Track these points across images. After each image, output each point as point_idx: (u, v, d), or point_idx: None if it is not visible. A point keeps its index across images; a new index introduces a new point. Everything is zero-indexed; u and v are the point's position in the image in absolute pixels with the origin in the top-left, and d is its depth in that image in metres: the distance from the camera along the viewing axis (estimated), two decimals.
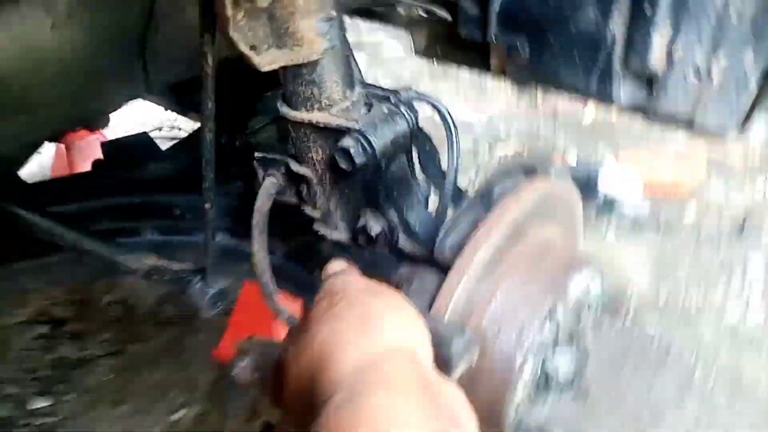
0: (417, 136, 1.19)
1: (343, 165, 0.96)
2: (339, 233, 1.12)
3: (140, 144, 1.70)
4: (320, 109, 0.99)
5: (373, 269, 1.09)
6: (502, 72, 1.76)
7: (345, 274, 0.83)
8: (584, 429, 1.91)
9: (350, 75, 1.00)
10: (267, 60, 0.91)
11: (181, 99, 1.52)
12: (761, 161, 3.22)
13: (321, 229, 1.14)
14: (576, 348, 0.96)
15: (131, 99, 1.22)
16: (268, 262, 1.17)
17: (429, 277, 0.95)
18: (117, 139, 1.67)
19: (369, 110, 1.01)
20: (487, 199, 0.97)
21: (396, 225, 1.04)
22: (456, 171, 1.10)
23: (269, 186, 1.13)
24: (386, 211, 1.03)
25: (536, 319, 0.91)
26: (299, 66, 0.95)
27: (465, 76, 4.51)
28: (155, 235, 1.43)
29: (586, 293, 1.02)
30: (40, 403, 2.15)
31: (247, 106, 1.44)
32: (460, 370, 0.82)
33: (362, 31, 5.75)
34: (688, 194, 3.00)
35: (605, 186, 2.84)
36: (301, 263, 1.27)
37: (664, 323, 2.34)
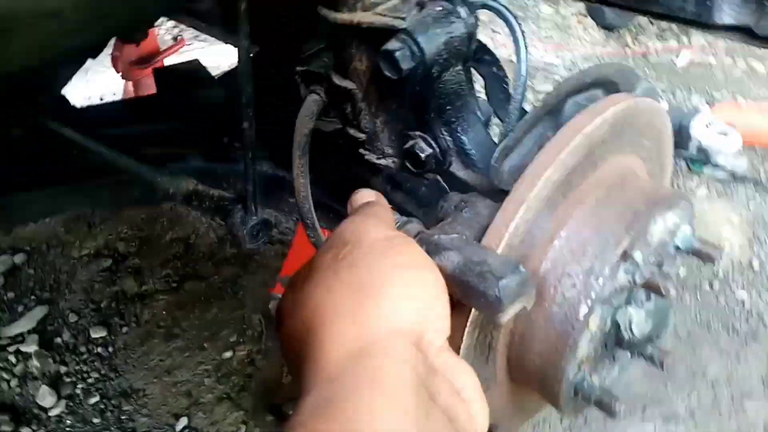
0: (479, 50, 1.04)
1: (388, 72, 0.82)
2: (386, 159, 0.99)
3: (192, 71, 1.61)
4: (364, 8, 0.85)
5: (421, 200, 0.97)
6: None
7: (366, 215, 0.70)
8: (654, 402, 1.74)
9: None
10: None
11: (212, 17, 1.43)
12: None
13: (367, 154, 1.01)
14: (656, 300, 0.80)
15: (170, 10, 1.13)
16: (309, 189, 1.06)
17: (483, 205, 0.81)
18: (168, 67, 1.60)
19: (421, 10, 0.86)
20: (555, 115, 0.81)
21: (448, 146, 0.90)
22: (523, 91, 0.94)
23: (311, 103, 1.01)
24: (438, 130, 0.89)
25: (609, 261, 0.76)
26: None
27: (547, 15, 4.22)
28: (201, 161, 1.35)
29: (672, 236, 0.86)
30: (99, 333, 2.18)
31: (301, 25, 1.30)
32: (509, 313, 0.68)
33: None
34: None
35: (699, 136, 2.57)
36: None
37: (757, 290, 2.10)
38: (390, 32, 0.82)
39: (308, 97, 1.01)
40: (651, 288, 0.77)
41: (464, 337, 0.77)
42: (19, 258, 2.48)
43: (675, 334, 1.94)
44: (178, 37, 3.35)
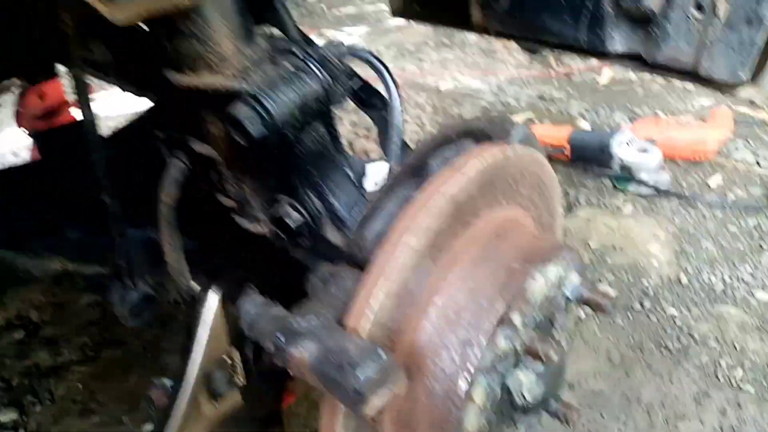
0: (369, 94, 0.99)
1: (238, 138, 0.76)
2: (261, 225, 0.92)
3: (77, 132, 1.51)
4: (209, 68, 0.78)
5: (298, 271, 0.89)
6: (484, 27, 1.55)
7: None
8: None
9: (246, 25, 0.79)
10: (125, 12, 0.71)
11: None
12: None
13: (239, 221, 0.94)
14: (545, 360, 0.75)
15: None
16: (183, 262, 0.98)
17: (351, 278, 0.74)
18: (51, 129, 1.50)
19: (274, 64, 0.80)
20: (420, 173, 0.75)
21: (318, 211, 0.83)
22: (400, 139, 0.89)
23: (174, 170, 0.93)
24: (305, 194, 0.83)
25: (484, 329, 0.70)
26: (172, 18, 0.74)
27: (472, 41, 4.24)
28: (79, 234, 1.25)
29: (559, 288, 0.80)
30: (10, 416, 2.01)
31: None
32: (374, 405, 0.61)
33: (364, 1, 5.52)
34: (713, 154, 2.72)
35: (620, 154, 2.58)
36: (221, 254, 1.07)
37: (686, 305, 2.09)
38: (236, 95, 0.76)
39: (170, 163, 0.93)
40: (532, 355, 0.72)
41: (338, 429, 0.70)
42: None
43: (608, 359, 1.90)
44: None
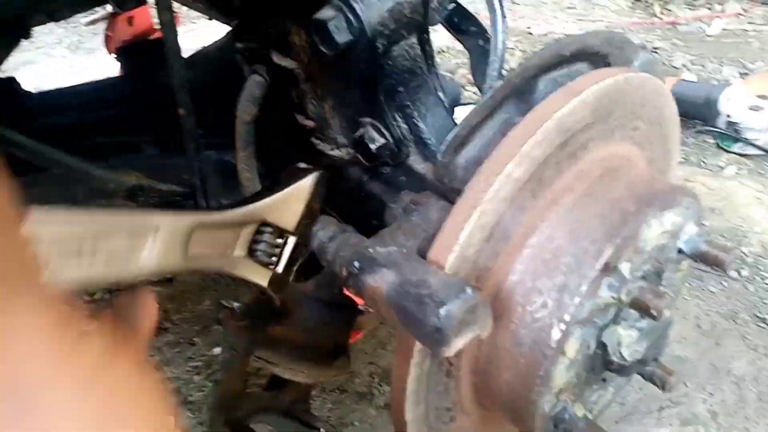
0: (461, 19, 0.89)
1: (323, 46, 0.68)
2: (340, 149, 0.86)
3: (158, 49, 1.48)
4: None
5: (373, 200, 0.83)
6: None
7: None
8: (672, 403, 1.58)
9: None
10: None
11: None
12: None
13: (318, 144, 0.88)
14: (650, 317, 0.66)
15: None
16: (257, 183, 0.93)
17: (436, 208, 0.67)
18: (132, 44, 1.47)
19: None
20: (524, 96, 0.66)
21: (404, 135, 0.76)
22: (501, 62, 0.80)
23: (252, 86, 0.88)
24: (390, 116, 0.75)
25: (587, 275, 0.62)
26: None
27: None
28: (156, 151, 1.23)
29: (673, 238, 0.70)
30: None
31: None
32: (455, 346, 0.55)
33: None
34: None
35: (728, 110, 2.36)
36: None
37: None
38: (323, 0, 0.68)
39: (249, 78, 0.87)
40: (639, 308, 0.63)
41: (410, 368, 0.64)
42: None
43: (697, 326, 1.77)
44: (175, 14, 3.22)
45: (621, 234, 0.62)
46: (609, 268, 0.62)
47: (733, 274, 1.96)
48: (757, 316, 1.81)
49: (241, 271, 0.79)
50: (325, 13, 0.66)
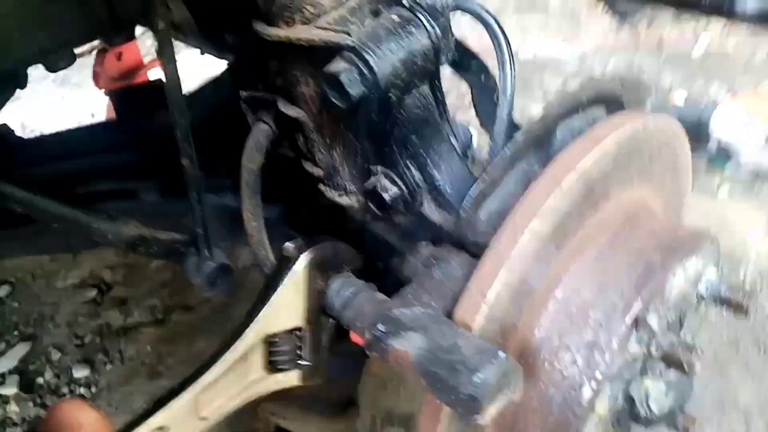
0: (463, 56, 0.88)
1: (335, 99, 0.67)
2: (349, 197, 0.84)
3: (154, 92, 1.46)
4: (304, 21, 0.70)
5: (386, 250, 0.80)
6: None
7: None
8: None
9: None
10: None
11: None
12: None
13: (327, 191, 0.86)
14: (681, 371, 0.64)
15: (93, 37, 1.00)
16: (263, 232, 0.91)
17: (458, 262, 0.65)
18: (129, 88, 1.46)
19: (376, 17, 0.70)
20: (544, 145, 0.65)
21: (417, 184, 0.74)
22: (510, 106, 0.78)
23: (259, 134, 0.86)
24: (403, 165, 0.73)
25: (617, 331, 0.60)
26: None
27: (555, 6, 4.00)
28: (156, 197, 1.20)
29: (694, 284, 0.69)
30: (82, 372, 2.05)
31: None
32: (489, 413, 0.52)
33: None
34: None
35: (719, 131, 2.37)
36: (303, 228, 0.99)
37: None
38: (334, 50, 0.67)
39: (255, 126, 0.85)
40: (671, 363, 0.61)
41: None
42: (3, 291, 2.38)
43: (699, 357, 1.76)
44: None
45: (649, 286, 0.61)
46: (638, 322, 0.61)
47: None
48: (758, 343, 1.80)
49: (271, 387, 0.78)
50: (337, 65, 0.65)
